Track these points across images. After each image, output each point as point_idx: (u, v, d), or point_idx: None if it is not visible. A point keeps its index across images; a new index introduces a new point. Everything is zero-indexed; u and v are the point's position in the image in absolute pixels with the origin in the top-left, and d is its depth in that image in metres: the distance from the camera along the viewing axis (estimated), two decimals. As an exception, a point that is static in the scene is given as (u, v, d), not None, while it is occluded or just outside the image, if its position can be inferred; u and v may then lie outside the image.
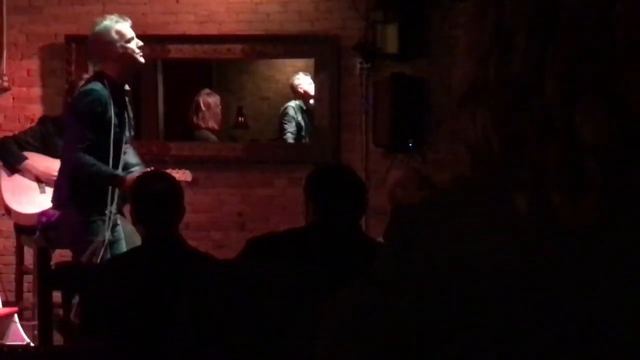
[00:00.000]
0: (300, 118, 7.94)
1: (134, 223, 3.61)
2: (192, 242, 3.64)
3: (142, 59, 4.79)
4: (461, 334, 0.91)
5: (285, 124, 7.87)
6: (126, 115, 4.82)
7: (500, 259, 0.91)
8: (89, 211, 4.67)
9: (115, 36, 4.70)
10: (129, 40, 4.72)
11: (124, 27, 4.76)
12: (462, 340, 0.91)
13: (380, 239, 3.19)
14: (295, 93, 8.10)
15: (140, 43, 4.78)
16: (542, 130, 0.89)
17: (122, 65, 4.72)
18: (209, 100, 7.41)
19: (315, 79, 7.05)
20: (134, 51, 4.73)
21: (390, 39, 6.44)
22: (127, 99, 4.85)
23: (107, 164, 4.64)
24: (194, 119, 7.33)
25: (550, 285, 0.90)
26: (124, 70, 4.75)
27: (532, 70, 0.90)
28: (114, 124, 4.64)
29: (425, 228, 0.96)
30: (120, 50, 4.69)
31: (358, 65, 6.70)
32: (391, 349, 0.95)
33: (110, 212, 4.70)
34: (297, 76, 8.08)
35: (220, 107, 7.55)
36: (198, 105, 7.35)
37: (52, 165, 5.55)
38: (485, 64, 0.94)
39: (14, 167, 5.62)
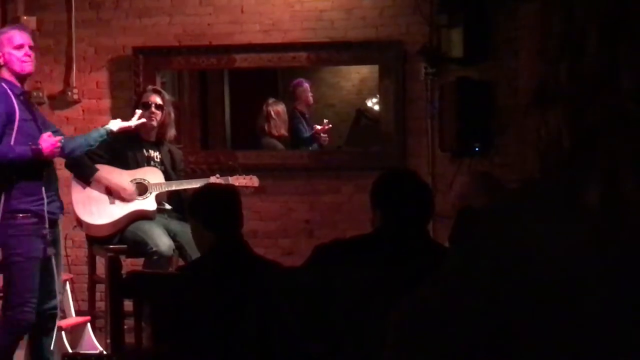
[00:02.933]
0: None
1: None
2: (260, 250, 3.66)
3: (26, 67, 4.82)
4: (533, 333, 0.90)
5: (299, 124, 7.89)
6: (38, 117, 4.90)
7: (573, 255, 0.90)
8: (21, 224, 4.69)
9: (4, 42, 4.80)
10: (16, 47, 4.79)
11: (15, 34, 4.84)
12: (534, 338, 0.90)
13: (447, 244, 3.17)
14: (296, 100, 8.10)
15: (31, 53, 4.83)
16: (618, 123, 0.89)
17: (12, 71, 4.80)
18: (278, 108, 7.50)
19: (380, 84, 7.04)
20: (18, 59, 4.78)
21: (455, 42, 6.42)
22: (29, 100, 4.93)
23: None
24: (266, 126, 7.40)
25: (626, 279, 0.89)
26: (16, 75, 4.81)
27: (605, 68, 0.90)
28: (22, 119, 4.69)
29: (491, 230, 0.95)
30: (6, 57, 4.78)
31: (423, 70, 6.67)
32: (460, 350, 0.95)
33: (46, 222, 4.70)
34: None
35: (287, 114, 7.60)
36: (269, 114, 7.43)
37: (121, 178, 5.63)
38: (555, 65, 0.94)
39: (87, 179, 5.68)
